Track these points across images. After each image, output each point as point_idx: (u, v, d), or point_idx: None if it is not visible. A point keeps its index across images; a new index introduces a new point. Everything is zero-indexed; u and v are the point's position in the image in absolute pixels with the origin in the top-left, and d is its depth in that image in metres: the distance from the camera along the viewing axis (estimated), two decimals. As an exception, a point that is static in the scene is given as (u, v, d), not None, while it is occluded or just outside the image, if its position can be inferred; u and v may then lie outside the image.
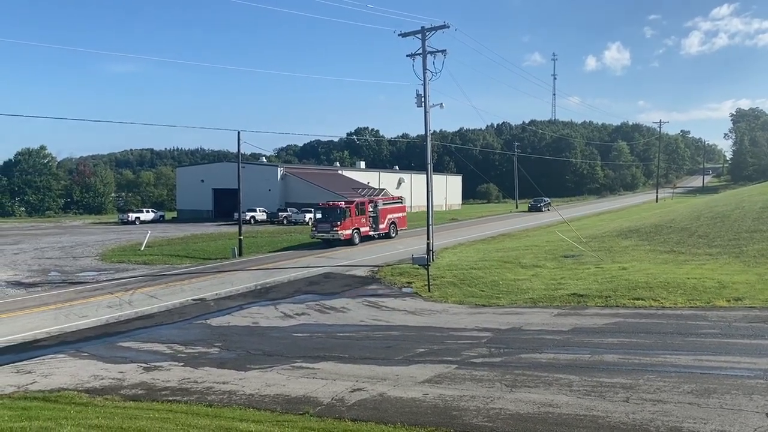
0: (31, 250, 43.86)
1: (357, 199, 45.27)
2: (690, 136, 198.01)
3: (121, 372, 15.21)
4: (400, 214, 49.01)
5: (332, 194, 70.19)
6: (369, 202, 45.44)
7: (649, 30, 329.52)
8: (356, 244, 42.24)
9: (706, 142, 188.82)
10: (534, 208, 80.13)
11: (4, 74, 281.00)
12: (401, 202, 49.95)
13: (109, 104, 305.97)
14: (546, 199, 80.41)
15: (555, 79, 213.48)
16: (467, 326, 18.76)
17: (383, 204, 46.95)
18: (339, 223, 41.46)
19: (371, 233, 44.92)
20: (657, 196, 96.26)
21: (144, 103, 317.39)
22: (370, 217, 44.77)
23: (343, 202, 43.34)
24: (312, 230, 44.04)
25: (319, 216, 44.15)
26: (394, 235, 47.13)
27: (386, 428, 10.05)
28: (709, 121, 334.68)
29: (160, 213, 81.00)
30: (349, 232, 42.05)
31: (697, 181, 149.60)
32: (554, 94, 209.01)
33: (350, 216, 42.39)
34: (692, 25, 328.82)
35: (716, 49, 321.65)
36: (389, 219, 46.93)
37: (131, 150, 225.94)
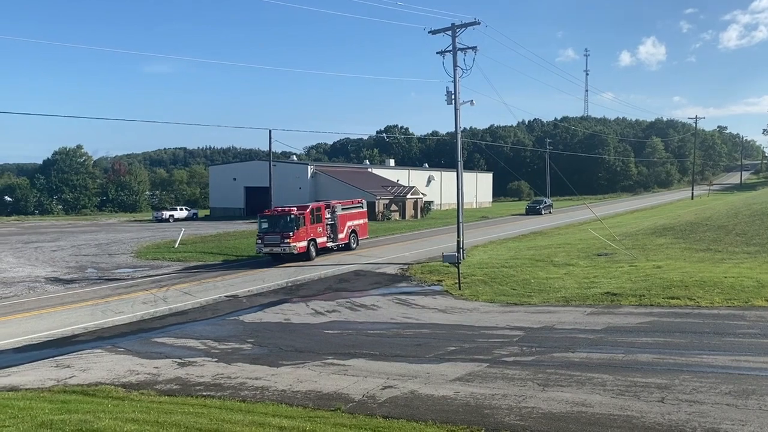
0: (68, 247, 44.86)
1: (312, 205, 37.96)
2: (727, 131, 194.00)
3: (156, 367, 15.47)
4: (361, 221, 42.33)
5: (361, 192, 70.38)
6: (326, 207, 38.33)
7: (685, 24, 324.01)
8: (313, 259, 35.64)
9: (744, 138, 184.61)
10: (532, 211, 72.40)
11: (42, 75, 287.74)
12: (362, 207, 43.12)
13: (144, 104, 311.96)
14: (547, 200, 75.89)
15: (587, 74, 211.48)
16: (498, 324, 18.65)
17: (342, 209, 39.76)
18: (291, 233, 33.95)
19: (329, 244, 38.00)
20: (692, 193, 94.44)
21: (177, 102, 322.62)
22: (327, 225, 37.85)
23: (296, 208, 35.99)
24: (257, 243, 35.01)
25: (265, 226, 35.08)
26: (354, 245, 40.42)
27: (417, 426, 10.04)
28: (747, 116, 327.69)
29: (193, 211, 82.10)
30: (303, 244, 34.90)
31: (734, 178, 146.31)
32: (587, 90, 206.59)
33: (304, 225, 35.11)
34: (730, 18, 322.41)
35: (756, 42, 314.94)
36: (349, 227, 40.05)
37: (165, 149, 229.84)
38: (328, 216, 37.98)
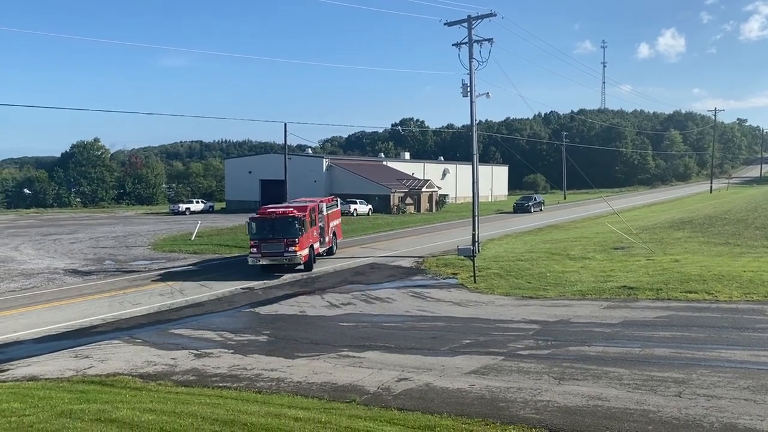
0: (86, 239, 45.32)
1: (309, 204, 31.58)
2: (747, 124, 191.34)
3: (173, 358, 15.62)
4: (338, 221, 38.42)
5: (377, 185, 70.40)
6: (317, 207, 32.69)
7: (706, 15, 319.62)
8: (312, 270, 29.50)
9: (765, 131, 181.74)
10: (520, 209, 65.62)
11: (60, 68, 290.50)
12: (337, 205, 38.58)
13: (161, 97, 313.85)
14: (538, 197, 70.95)
15: (605, 66, 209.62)
16: (514, 318, 18.60)
17: (326, 208, 34.67)
18: (296, 239, 28.01)
19: (321, 250, 32.72)
20: (711, 186, 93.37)
21: (194, 96, 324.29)
22: (319, 226, 32.64)
23: (293, 208, 29.64)
24: (251, 252, 28.46)
25: (260, 230, 28.35)
26: (336, 249, 35.85)
27: (432, 418, 10.05)
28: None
29: (209, 203, 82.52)
30: (306, 251, 29.10)
31: (754, 171, 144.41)
32: (604, 82, 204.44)
33: (308, 228, 29.57)
34: (752, 9, 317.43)
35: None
36: (331, 228, 35.28)
37: (181, 142, 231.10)
38: (320, 216, 32.88)
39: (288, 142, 53.57)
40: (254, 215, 29.39)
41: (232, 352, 16.03)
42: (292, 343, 16.93)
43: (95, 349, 16.84)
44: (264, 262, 28.37)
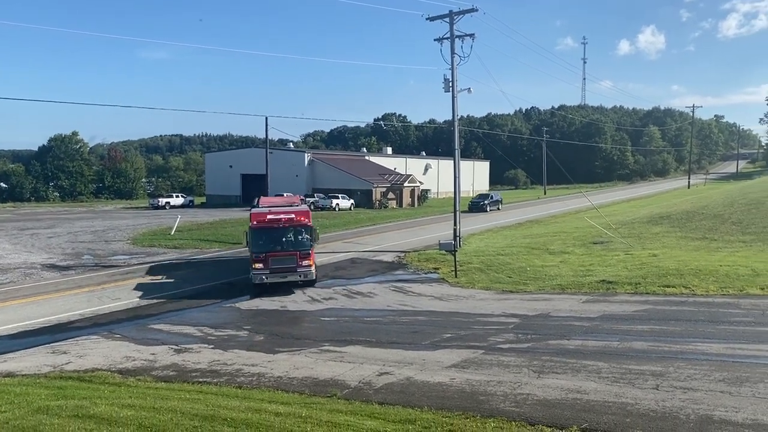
0: (64, 234, 44.75)
1: (303, 206, 27.20)
2: (724, 120, 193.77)
3: (153, 353, 15.51)
4: None
5: (359, 180, 70.31)
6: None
7: (685, 12, 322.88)
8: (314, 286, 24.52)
9: (741, 127, 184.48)
10: (475, 207, 61.13)
11: (38, 61, 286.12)
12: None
13: (140, 91, 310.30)
14: (495, 195, 66.57)
15: (585, 63, 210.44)
16: (494, 312, 18.71)
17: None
18: (310, 251, 23.89)
19: None
20: (689, 182, 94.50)
21: (174, 89, 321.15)
22: None
23: (301, 213, 24.61)
24: (255, 269, 23.28)
25: (267, 242, 23.53)
26: None
27: (413, 412, 10.09)
28: (745, 105, 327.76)
29: (189, 198, 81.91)
30: (314, 266, 24.37)
31: (730, 167, 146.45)
32: (584, 79, 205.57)
33: (318, 237, 25.05)
34: (730, 7, 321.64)
35: (755, 32, 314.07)
36: None
37: (161, 136, 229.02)
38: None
39: (269, 137, 53.30)
40: (255, 224, 23.71)
41: (212, 348, 15.95)
42: (273, 338, 16.89)
43: (73, 345, 16.67)
44: (273, 280, 23.31)
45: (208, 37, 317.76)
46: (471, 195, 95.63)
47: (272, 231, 23.74)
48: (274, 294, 23.19)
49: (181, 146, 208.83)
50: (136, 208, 78.21)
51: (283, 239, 23.71)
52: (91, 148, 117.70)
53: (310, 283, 24.10)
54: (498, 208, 62.98)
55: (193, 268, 29.53)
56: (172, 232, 43.97)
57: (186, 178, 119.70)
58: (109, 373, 13.76)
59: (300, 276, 23.64)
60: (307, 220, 24.30)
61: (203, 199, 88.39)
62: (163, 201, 76.95)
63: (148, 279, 26.71)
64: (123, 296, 23.24)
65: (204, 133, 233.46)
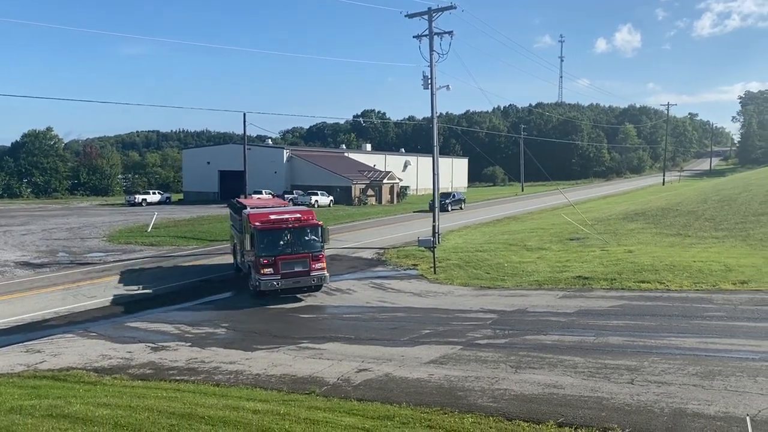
0: (39, 231, 44.04)
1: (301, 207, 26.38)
2: (698, 118, 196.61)
3: (129, 352, 15.36)
4: None
5: (338, 176, 70.19)
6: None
7: (661, 12, 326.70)
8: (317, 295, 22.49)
9: (714, 125, 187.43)
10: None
11: (12, 56, 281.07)
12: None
13: (116, 86, 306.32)
14: (458, 194, 63.51)
15: (562, 61, 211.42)
16: (472, 308, 18.82)
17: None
18: (321, 253, 21.90)
19: None
20: (664, 179, 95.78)
21: (151, 84, 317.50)
22: None
23: (300, 212, 22.95)
24: (263, 274, 20.64)
25: (274, 243, 21.17)
26: None
27: (391, 408, 10.12)
28: (719, 103, 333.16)
29: (166, 195, 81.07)
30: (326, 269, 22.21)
31: (704, 165, 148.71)
32: (561, 77, 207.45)
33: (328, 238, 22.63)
34: (704, 6, 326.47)
35: (729, 31, 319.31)
36: None
37: (138, 132, 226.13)
38: None
39: (248, 133, 53.06)
40: (259, 224, 21.28)
41: (189, 345, 15.84)
42: (252, 335, 16.82)
43: (47, 344, 16.44)
44: (285, 286, 20.99)
45: (185, 32, 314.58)
46: (450, 192, 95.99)
47: (281, 232, 21.34)
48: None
49: (158, 142, 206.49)
50: (113, 205, 77.26)
51: (294, 240, 21.37)
52: (66, 144, 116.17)
53: (319, 288, 22.04)
54: (460, 208, 60.16)
55: (170, 265, 29.26)
56: (149, 229, 43.52)
57: (163, 174, 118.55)
58: (84, 371, 13.59)
59: (313, 280, 21.34)
60: (316, 219, 22.67)
61: (180, 196, 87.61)
62: (139, 198, 76.07)
63: (124, 276, 26.41)
64: (99, 294, 22.97)
65: (181, 129, 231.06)
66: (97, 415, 9.14)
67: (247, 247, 21.15)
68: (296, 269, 21.05)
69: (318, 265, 21.42)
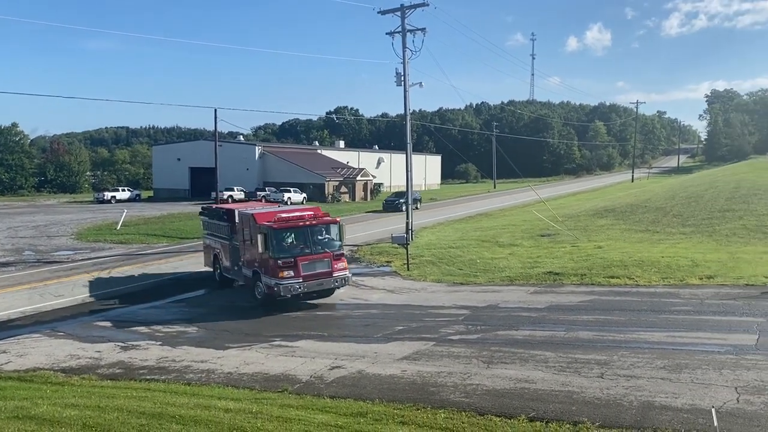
0: (3, 229, 43.09)
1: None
2: (666, 116, 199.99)
3: (98, 351, 15.12)
4: None
5: (311, 173, 69.88)
6: None
7: (630, 11, 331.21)
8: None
9: (682, 123, 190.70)
10: (390, 206, 55.65)
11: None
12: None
13: (84, 81, 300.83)
14: (414, 192, 55.16)
15: (534, 59, 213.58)
16: (445, 304, 18.91)
17: None
18: (342, 253, 20.68)
19: None
20: (633, 176, 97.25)
21: (119, 80, 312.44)
22: None
23: (312, 211, 21.75)
24: (282, 277, 18.81)
25: (291, 243, 19.67)
26: None
27: (364, 405, 10.13)
28: (687, 102, 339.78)
29: (136, 192, 79.91)
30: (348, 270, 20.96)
31: (672, 162, 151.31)
32: (533, 75, 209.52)
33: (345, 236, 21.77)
34: (672, 6, 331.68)
35: (696, 31, 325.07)
36: None
37: (106, 128, 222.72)
38: None
39: (219, 129, 52.38)
40: (272, 223, 19.32)
41: (160, 344, 15.65)
42: (223, 333, 16.68)
43: (13, 344, 16.10)
44: (309, 290, 19.34)
45: (154, 27, 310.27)
46: (423, 189, 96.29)
47: (298, 231, 19.74)
48: (225, 288, 22.89)
49: (128, 139, 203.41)
50: (81, 202, 75.91)
51: (313, 239, 19.85)
52: (32, 141, 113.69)
53: (330, 292, 20.59)
54: (416, 207, 54.82)
55: (141, 263, 28.85)
56: (118, 227, 42.88)
57: (133, 171, 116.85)
58: (51, 372, 13.36)
59: (335, 282, 19.93)
60: (330, 216, 21.57)
61: (150, 193, 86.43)
62: (108, 195, 74.85)
63: (93, 275, 25.97)
64: (67, 293, 22.55)
65: (151, 126, 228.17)
66: (64, 416, 8.98)
67: (260, 249, 18.95)
68: (318, 270, 19.45)
69: (340, 265, 19.97)
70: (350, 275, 20.62)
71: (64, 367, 13.83)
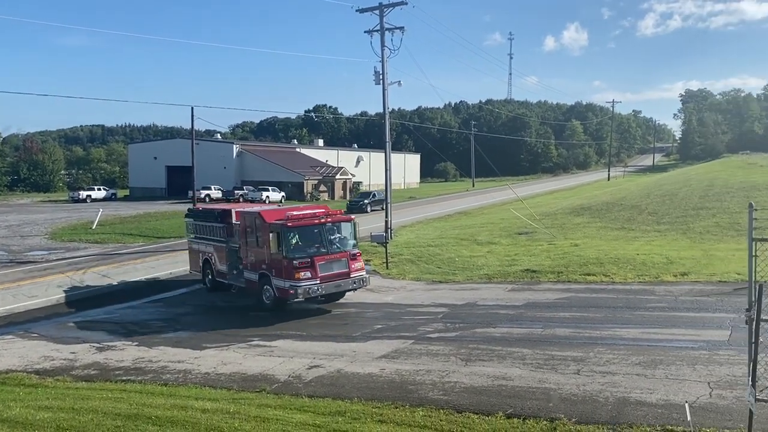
0: (-25, 229, 42.33)
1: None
2: (642, 115, 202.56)
3: (73, 352, 14.92)
4: None
5: (290, 172, 69.61)
6: None
7: (606, 11, 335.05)
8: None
9: (657, 122, 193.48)
10: (355, 207, 51.42)
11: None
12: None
13: (58, 78, 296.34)
14: (378, 193, 54.12)
15: (511, 58, 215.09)
16: (424, 302, 18.96)
17: None
18: (358, 252, 19.70)
19: None
20: (609, 174, 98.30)
21: (95, 77, 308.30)
22: None
23: (322, 209, 20.62)
24: (300, 279, 17.71)
25: (304, 243, 18.63)
26: None
27: (343, 404, 10.12)
28: (662, 101, 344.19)
29: (111, 191, 79.00)
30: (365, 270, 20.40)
31: (647, 160, 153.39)
32: (510, 74, 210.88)
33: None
34: (648, 7, 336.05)
35: (670, 31, 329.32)
36: None
37: (81, 126, 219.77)
38: None
39: (196, 127, 51.91)
40: (285, 222, 18.41)
41: (136, 345, 15.49)
42: (201, 333, 16.56)
43: (-15, 346, 15.82)
44: (327, 291, 18.43)
45: (130, 24, 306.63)
46: (402, 188, 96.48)
47: (312, 229, 18.76)
48: (203, 288, 22.71)
49: (103, 137, 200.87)
50: (55, 201, 74.82)
51: (328, 238, 18.82)
52: (4, 139, 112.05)
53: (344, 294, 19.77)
54: (381, 208, 50.33)
55: (117, 263, 28.52)
56: (94, 226, 42.34)
57: (108, 170, 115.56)
58: (24, 374, 13.15)
59: (353, 284, 19.02)
60: (344, 213, 20.92)
61: (126, 192, 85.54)
62: (84, 194, 73.90)
63: (68, 275, 25.61)
64: (40, 293, 22.20)
65: (127, 124, 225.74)
66: (38, 419, 8.85)
67: (272, 250, 18.04)
68: (336, 271, 18.53)
69: (357, 265, 19.07)
70: (368, 276, 19.88)
71: (38, 368, 13.63)
